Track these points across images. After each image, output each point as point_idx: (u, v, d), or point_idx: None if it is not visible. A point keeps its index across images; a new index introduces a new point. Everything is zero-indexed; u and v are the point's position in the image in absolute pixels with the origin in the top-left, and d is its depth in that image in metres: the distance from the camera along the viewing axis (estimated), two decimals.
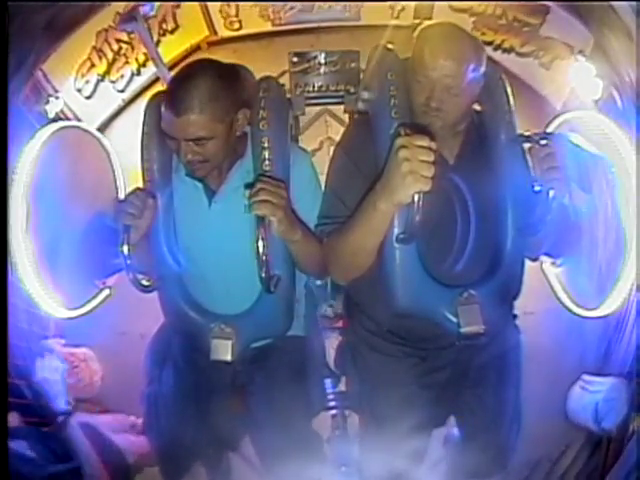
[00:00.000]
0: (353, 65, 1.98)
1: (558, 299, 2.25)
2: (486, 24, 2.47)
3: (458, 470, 1.51)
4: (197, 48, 2.72)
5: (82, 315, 2.16)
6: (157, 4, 2.41)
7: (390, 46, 1.36)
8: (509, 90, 1.35)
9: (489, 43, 2.50)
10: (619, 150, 1.93)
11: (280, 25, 2.70)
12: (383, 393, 1.41)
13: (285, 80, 2.02)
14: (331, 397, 1.71)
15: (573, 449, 2.20)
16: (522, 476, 1.79)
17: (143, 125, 1.37)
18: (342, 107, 2.05)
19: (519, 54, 2.50)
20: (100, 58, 2.38)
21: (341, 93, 2.02)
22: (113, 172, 2.42)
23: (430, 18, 2.50)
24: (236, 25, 2.69)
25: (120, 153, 2.43)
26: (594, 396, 2.06)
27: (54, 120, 2.18)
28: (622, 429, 1.94)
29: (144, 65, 2.54)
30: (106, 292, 2.26)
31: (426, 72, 1.21)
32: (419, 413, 1.37)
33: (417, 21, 2.50)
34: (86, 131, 2.34)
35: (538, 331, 1.97)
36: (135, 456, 1.96)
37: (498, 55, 2.51)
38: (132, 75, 2.55)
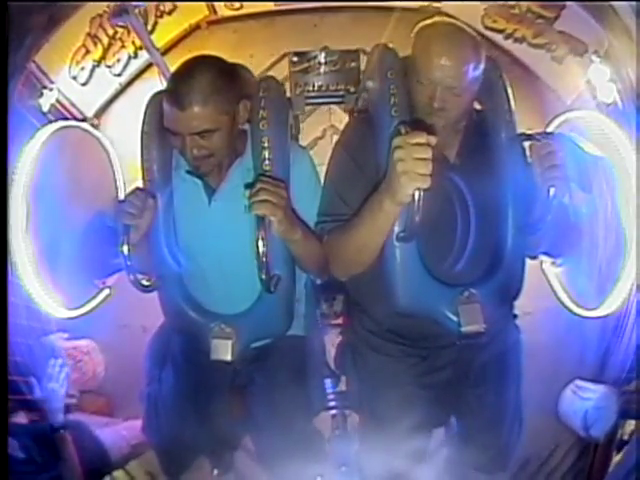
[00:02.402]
0: (353, 65, 1.99)
1: (558, 299, 2.25)
2: (498, 12, 2.41)
3: (458, 470, 1.51)
4: (196, 28, 2.64)
5: (82, 315, 2.16)
6: None
7: (390, 45, 1.36)
8: (509, 89, 1.35)
9: (500, 31, 2.44)
10: (619, 150, 1.93)
11: (282, 4, 2.60)
12: (383, 393, 1.41)
13: (286, 63, 2.01)
14: (331, 397, 1.72)
15: (562, 449, 2.21)
16: (511, 472, 1.79)
17: (143, 125, 1.37)
18: None
19: (531, 45, 2.44)
20: (95, 44, 2.33)
21: (341, 93, 2.03)
22: (113, 172, 2.41)
23: (439, 0, 2.45)
24: (237, 4, 2.60)
25: (118, 140, 2.41)
26: (584, 403, 2.06)
27: (50, 112, 2.16)
28: (610, 436, 1.95)
29: (141, 48, 2.45)
30: (106, 292, 2.26)
31: (427, 74, 1.21)
32: (419, 413, 1.37)
33: (426, 3, 2.44)
34: (86, 131, 2.34)
35: (538, 331, 1.96)
36: (123, 451, 1.96)
37: (509, 44, 2.46)
38: (129, 58, 2.51)
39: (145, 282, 1.35)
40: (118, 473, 1.88)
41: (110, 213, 1.32)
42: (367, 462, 1.49)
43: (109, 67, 2.47)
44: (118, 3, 2.07)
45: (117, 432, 1.98)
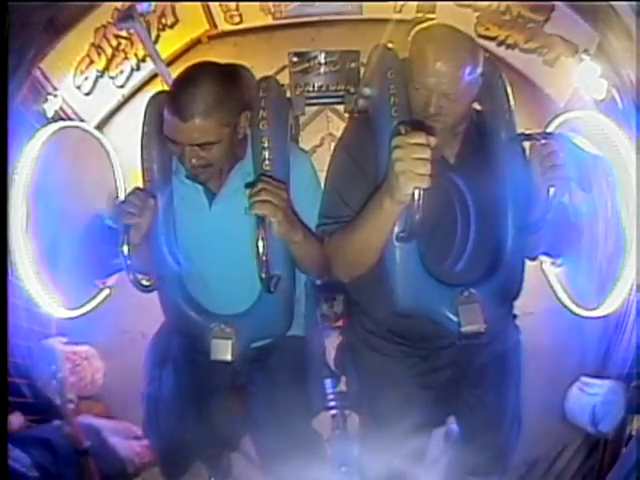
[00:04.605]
0: (353, 65, 1.98)
1: (558, 299, 2.25)
2: (490, 19, 2.45)
3: (458, 470, 1.51)
4: (197, 42, 2.69)
5: (82, 315, 2.16)
6: (154, 3, 2.40)
7: (390, 45, 1.36)
8: (509, 89, 1.35)
9: (493, 38, 2.48)
10: (619, 150, 1.93)
11: (281, 19, 2.68)
12: (383, 393, 1.41)
13: (286, 75, 2.02)
14: (331, 397, 1.71)
15: (570, 449, 2.20)
16: (519, 475, 1.78)
17: (143, 125, 1.37)
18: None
19: (523, 50, 2.47)
20: (99, 54, 2.37)
21: (341, 93, 2.02)
22: (113, 172, 2.41)
23: (433, 12, 2.48)
24: (236, 19, 2.66)
25: (120, 149, 2.42)
26: (592, 398, 2.06)
27: (54, 119, 2.17)
28: (619, 432, 1.94)
29: (143, 60, 2.51)
30: (106, 292, 2.26)
31: (422, 79, 1.21)
32: (419, 413, 1.37)
33: (420, 15, 2.48)
34: (86, 131, 2.34)
35: (538, 331, 1.97)
36: (135, 464, 1.97)
37: (502, 51, 2.49)
38: (132, 70, 2.53)
39: (145, 282, 1.35)
40: None
41: (110, 213, 1.31)
42: (367, 462, 1.49)
43: (112, 78, 2.49)
44: (123, 10, 2.08)
45: (132, 448, 1.99)
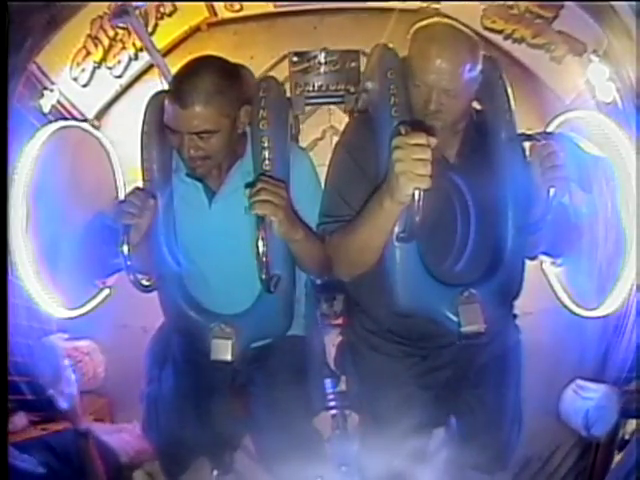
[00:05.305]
0: (353, 65, 1.99)
1: (558, 299, 2.25)
2: (497, 12, 2.41)
3: (458, 470, 1.51)
4: (197, 30, 2.64)
5: (82, 315, 2.16)
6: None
7: (390, 45, 1.36)
8: (509, 89, 1.35)
9: (499, 32, 2.45)
10: (619, 150, 1.93)
11: (283, 6, 2.60)
12: (383, 393, 1.41)
13: (286, 65, 2.01)
14: (331, 397, 1.72)
15: (563, 449, 2.21)
16: (512, 472, 1.78)
17: (143, 124, 1.37)
18: None
19: (530, 45, 2.44)
20: (96, 45, 2.34)
21: (341, 93, 2.03)
22: (113, 172, 2.41)
23: (438, 1, 2.46)
24: (237, 6, 2.60)
25: (119, 141, 2.40)
26: (585, 402, 2.06)
27: (51, 113, 2.16)
28: (611, 436, 1.95)
29: (142, 49, 2.46)
30: (106, 292, 2.26)
31: (422, 76, 1.21)
32: (419, 413, 1.37)
33: (425, 5, 2.45)
34: (86, 131, 2.34)
35: (538, 331, 1.96)
36: (130, 454, 1.97)
37: (508, 45, 2.46)
38: (129, 60, 2.51)
39: (145, 282, 1.35)
40: None
41: (110, 213, 1.32)
42: (367, 462, 1.49)
43: (110, 68, 2.47)
44: (119, 4, 2.06)
45: (121, 438, 2.00)
